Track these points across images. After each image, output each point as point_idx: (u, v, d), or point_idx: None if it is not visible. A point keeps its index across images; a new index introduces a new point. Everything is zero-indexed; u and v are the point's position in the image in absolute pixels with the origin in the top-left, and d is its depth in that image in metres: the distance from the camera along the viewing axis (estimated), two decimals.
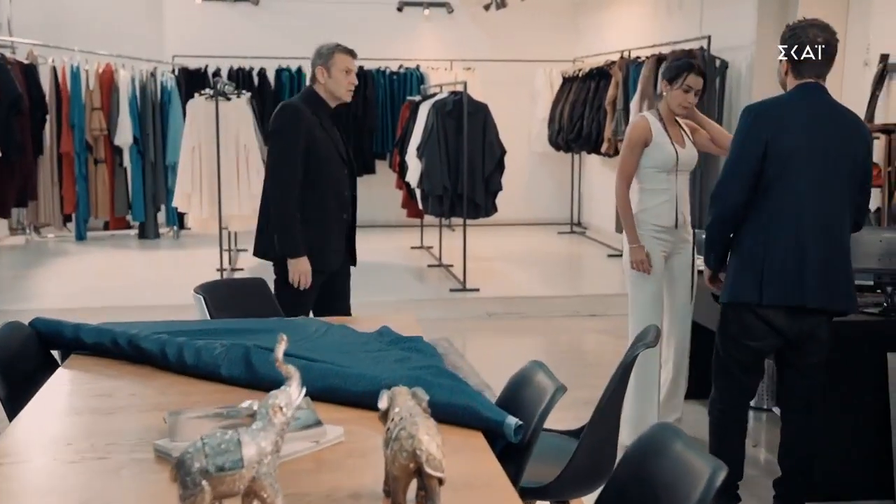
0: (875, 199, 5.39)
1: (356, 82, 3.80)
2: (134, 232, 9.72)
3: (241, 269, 7.83)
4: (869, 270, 3.51)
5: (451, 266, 7.89)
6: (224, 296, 3.13)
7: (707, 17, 7.42)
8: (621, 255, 4.32)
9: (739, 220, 3.04)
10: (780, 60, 3.10)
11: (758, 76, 6.67)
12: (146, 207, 9.32)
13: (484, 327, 6.45)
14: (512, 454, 1.90)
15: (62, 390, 2.26)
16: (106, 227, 9.68)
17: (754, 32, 6.65)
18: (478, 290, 7.02)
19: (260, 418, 1.44)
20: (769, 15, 6.61)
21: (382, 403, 1.55)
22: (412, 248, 9.11)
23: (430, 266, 8.18)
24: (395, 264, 8.35)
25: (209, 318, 2.99)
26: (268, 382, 2.18)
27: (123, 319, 5.98)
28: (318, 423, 1.86)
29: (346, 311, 3.87)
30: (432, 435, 1.44)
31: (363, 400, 2.03)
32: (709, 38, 6.92)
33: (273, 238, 3.63)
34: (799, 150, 2.98)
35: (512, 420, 1.86)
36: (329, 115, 3.76)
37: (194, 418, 1.85)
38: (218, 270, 7.16)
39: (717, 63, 6.91)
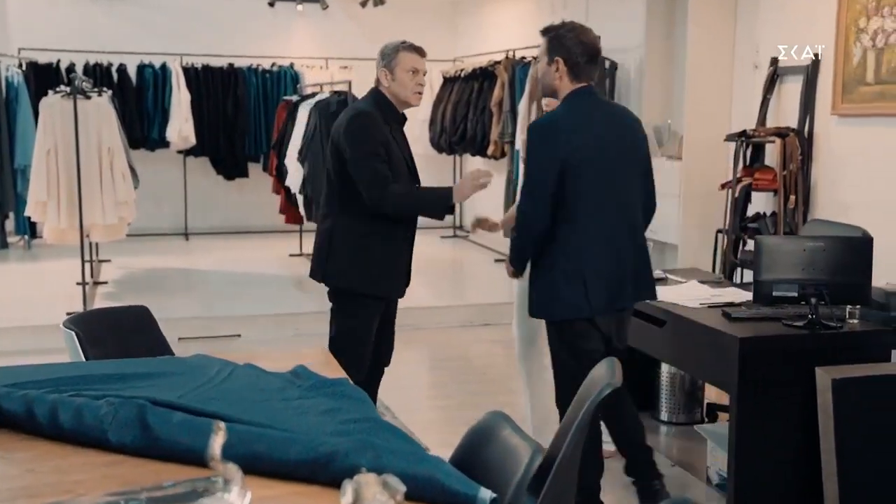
0: (770, 204, 5.39)
1: (424, 83, 3.46)
2: None
3: (105, 283, 7.18)
4: (793, 281, 3.38)
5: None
6: (100, 328, 2.65)
7: (593, 17, 7.32)
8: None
9: (546, 235, 3.08)
10: (555, 66, 3.08)
11: (648, 77, 6.61)
12: None
13: None
14: None
15: None
16: None
17: (643, 34, 6.59)
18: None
19: None
20: (658, 16, 6.55)
21: (346, 499, 1.19)
22: (291, 255, 8.65)
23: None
24: (272, 273, 7.89)
25: (83, 358, 2.52)
26: (169, 449, 1.78)
27: None
28: None
29: (392, 336, 3.65)
30: None
31: (297, 471, 1.65)
32: (598, 38, 6.81)
33: (343, 265, 3.36)
34: (594, 159, 3.03)
35: (486, 493, 1.53)
36: (398, 122, 3.45)
37: None
38: (79, 284, 6.49)
39: (607, 64, 6.81)
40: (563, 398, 3.10)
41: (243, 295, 7.09)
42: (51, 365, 2.38)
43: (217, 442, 1.18)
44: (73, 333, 2.56)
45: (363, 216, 3.34)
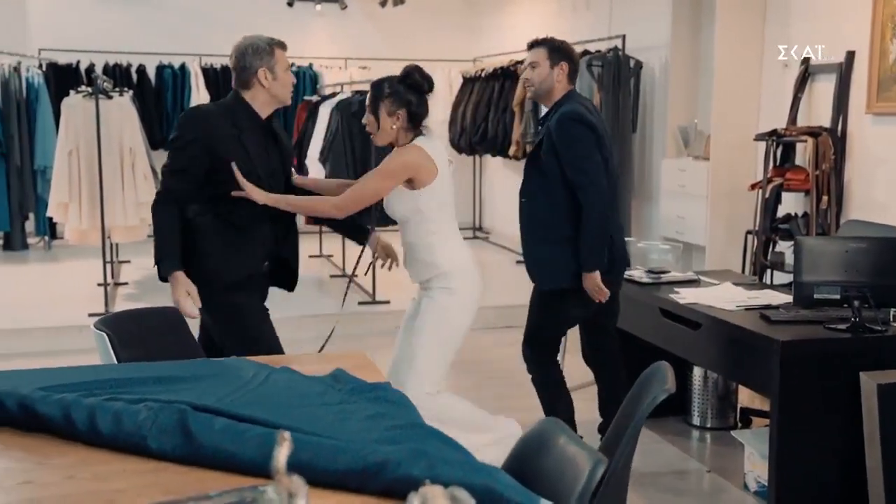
0: (801, 204, 5.30)
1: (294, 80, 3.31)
2: None
3: (126, 284, 7.14)
4: (835, 283, 3.29)
5: (356, 276, 7.43)
6: (132, 331, 2.60)
7: (617, 16, 7.25)
8: None
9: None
10: (558, 70, 3.56)
11: (673, 76, 6.53)
12: (12, 216, 8.41)
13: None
14: None
15: None
16: None
17: (669, 32, 6.51)
18: (388, 302, 6.60)
19: None
20: (684, 14, 6.48)
21: None
22: (311, 256, 8.59)
23: (332, 276, 7.69)
24: None
25: (115, 360, 2.47)
26: (212, 458, 1.72)
27: None
28: None
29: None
30: None
31: (344, 481, 1.58)
32: (623, 37, 6.75)
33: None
34: (608, 143, 3.59)
35: None
36: (259, 125, 3.18)
37: None
38: (100, 285, 6.46)
39: (632, 63, 6.74)
40: (546, 360, 3.78)
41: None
42: (84, 367, 2.32)
43: (282, 453, 1.11)
44: (105, 335, 2.51)
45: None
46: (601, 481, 1.57)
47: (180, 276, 3.01)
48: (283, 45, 3.20)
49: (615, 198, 3.67)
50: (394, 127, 3.21)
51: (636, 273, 4.23)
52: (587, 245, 3.46)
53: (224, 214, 3.10)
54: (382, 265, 3.48)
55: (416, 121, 3.24)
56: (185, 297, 3.00)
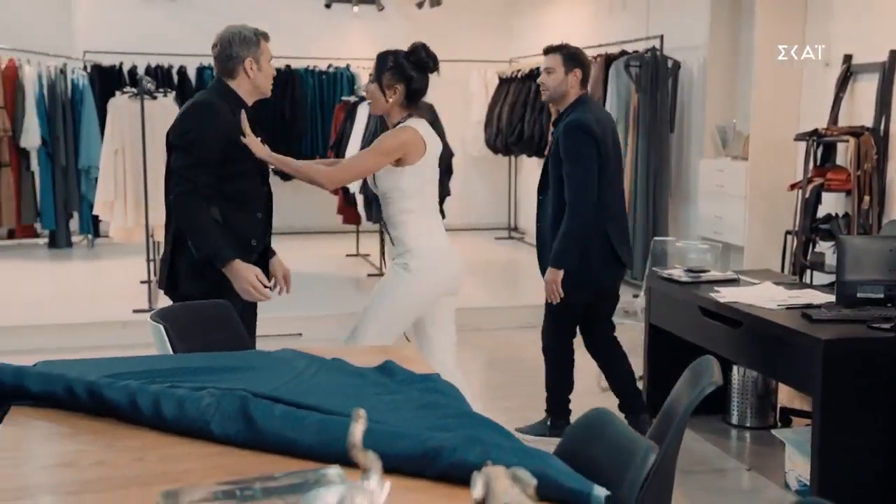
0: (841, 205, 5.27)
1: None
2: (43, 241, 8.99)
3: None
4: (879, 282, 3.30)
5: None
6: (186, 324, 2.67)
7: (654, 16, 7.25)
8: None
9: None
10: (573, 76, 3.82)
11: (711, 76, 6.52)
12: (56, 214, 8.61)
13: None
14: None
15: (8, 460, 1.78)
16: (11, 235, 8.93)
17: (707, 32, 6.50)
18: None
19: None
20: (722, 14, 6.46)
21: (477, 492, 1.18)
22: (348, 255, 8.69)
23: (369, 276, 7.77)
24: (331, 274, 7.92)
25: (171, 351, 2.55)
26: (273, 442, 1.78)
27: (41, 339, 5.56)
28: None
29: None
30: None
31: (402, 466, 1.64)
32: (661, 37, 6.75)
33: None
34: (610, 150, 3.86)
35: (601, 491, 1.51)
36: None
37: (199, 503, 1.44)
38: (143, 282, 6.59)
39: (669, 63, 6.74)
40: (564, 339, 4.07)
41: (302, 295, 7.12)
42: (143, 357, 2.40)
43: (358, 429, 1.17)
44: (161, 327, 2.59)
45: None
46: (651, 469, 1.61)
47: (241, 264, 3.06)
48: (267, 37, 3.29)
49: (620, 198, 4.04)
50: (389, 100, 3.29)
51: (675, 272, 4.24)
52: (562, 244, 3.75)
53: (222, 207, 3.14)
54: (275, 287, 3.42)
55: (413, 98, 3.32)
56: (255, 281, 3.05)
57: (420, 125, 3.31)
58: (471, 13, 10.32)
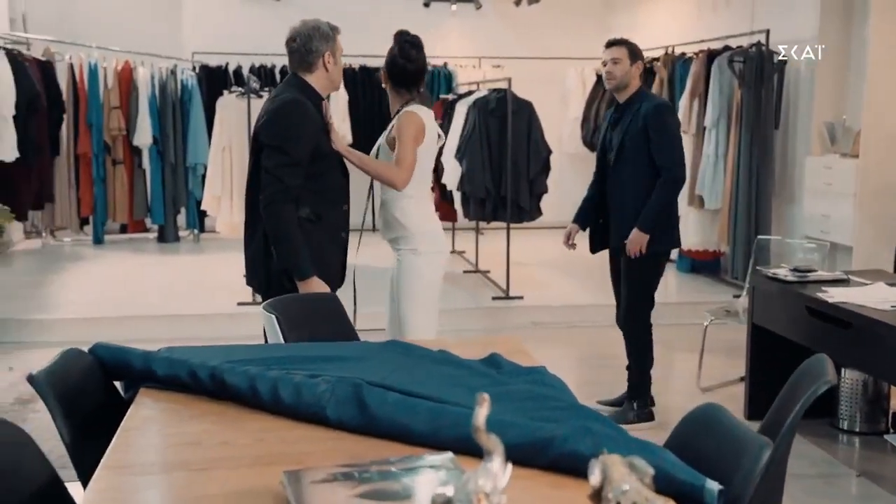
0: None
1: None
2: (152, 235, 9.38)
3: None
4: None
5: (489, 272, 7.55)
6: (297, 314, 2.77)
7: (759, 11, 7.07)
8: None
9: None
10: (636, 67, 4.08)
11: (820, 70, 6.31)
12: (165, 210, 8.97)
13: (530, 338, 6.09)
14: None
15: (140, 437, 1.89)
16: (123, 230, 9.34)
17: (817, 26, 6.30)
18: (521, 297, 6.67)
19: None
20: (833, 8, 6.25)
21: (595, 479, 1.20)
22: None
23: (465, 272, 7.82)
24: None
25: (283, 341, 2.64)
26: (386, 428, 1.84)
27: (151, 328, 5.81)
28: None
29: None
30: None
31: (512, 454, 1.65)
32: (767, 31, 6.58)
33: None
34: None
35: (713, 485, 1.51)
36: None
37: (320, 483, 1.51)
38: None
39: (775, 60, 6.56)
40: (644, 316, 4.34)
41: None
42: (258, 346, 2.50)
43: (482, 413, 1.21)
44: (274, 317, 2.68)
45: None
46: (764, 466, 1.60)
47: (318, 281, 3.09)
48: (339, 31, 3.36)
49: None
50: (384, 86, 3.56)
51: (780, 271, 4.15)
52: (653, 210, 3.99)
53: (313, 205, 3.22)
54: None
55: (406, 84, 3.48)
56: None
57: (421, 111, 3.44)
58: (568, 11, 10.27)
